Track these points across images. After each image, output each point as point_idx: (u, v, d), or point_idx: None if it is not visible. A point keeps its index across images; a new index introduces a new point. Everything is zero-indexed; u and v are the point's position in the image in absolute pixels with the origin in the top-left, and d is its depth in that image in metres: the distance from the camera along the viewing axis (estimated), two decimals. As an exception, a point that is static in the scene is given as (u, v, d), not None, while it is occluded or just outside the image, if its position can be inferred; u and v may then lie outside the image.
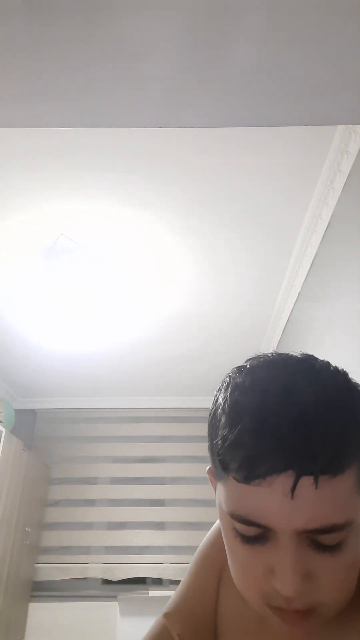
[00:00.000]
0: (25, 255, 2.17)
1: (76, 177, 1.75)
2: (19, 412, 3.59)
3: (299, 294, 2.31)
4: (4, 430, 2.73)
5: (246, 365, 0.44)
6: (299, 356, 0.44)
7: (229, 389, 0.42)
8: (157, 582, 3.30)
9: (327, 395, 0.39)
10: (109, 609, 3.08)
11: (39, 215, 1.93)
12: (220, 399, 0.43)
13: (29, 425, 3.75)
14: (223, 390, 0.43)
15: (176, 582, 3.19)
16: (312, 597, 0.39)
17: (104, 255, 2.17)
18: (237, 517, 0.40)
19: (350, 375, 0.44)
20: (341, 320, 1.77)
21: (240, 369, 0.44)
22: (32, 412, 3.82)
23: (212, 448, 0.43)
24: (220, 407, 0.42)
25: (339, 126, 1.54)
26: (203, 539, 0.63)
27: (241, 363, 0.46)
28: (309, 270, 2.13)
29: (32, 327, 2.77)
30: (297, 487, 0.36)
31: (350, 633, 0.44)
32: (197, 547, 0.64)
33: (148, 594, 3.14)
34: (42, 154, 1.64)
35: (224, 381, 0.45)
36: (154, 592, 3.14)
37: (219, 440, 0.41)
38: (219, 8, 0.89)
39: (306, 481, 0.36)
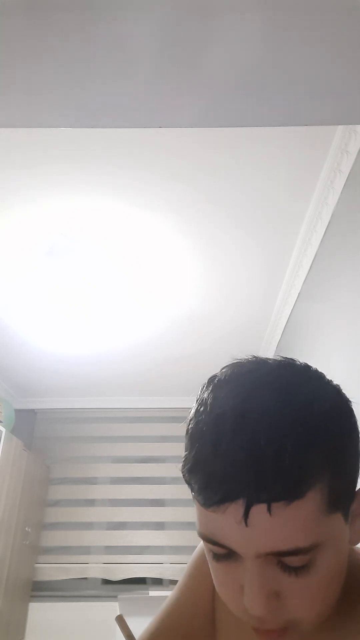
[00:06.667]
0: (25, 255, 2.17)
1: (77, 175, 1.74)
2: (19, 412, 3.59)
3: (298, 294, 2.31)
4: (4, 430, 2.73)
5: (214, 378, 0.43)
6: (273, 365, 0.42)
7: (195, 404, 0.42)
8: (157, 582, 3.29)
9: (286, 416, 0.36)
10: (109, 609, 3.07)
11: (39, 214, 1.92)
12: (189, 415, 0.42)
13: (29, 425, 3.75)
14: (193, 404, 0.43)
15: (176, 582, 3.19)
16: (283, 616, 0.39)
17: (104, 254, 2.17)
18: (203, 537, 0.40)
19: (325, 381, 0.42)
20: (341, 320, 1.77)
21: (209, 381, 0.43)
22: (32, 412, 3.82)
23: None
24: (187, 426, 0.42)
25: (339, 126, 1.54)
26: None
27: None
28: (309, 270, 2.13)
29: (32, 327, 2.77)
30: (250, 515, 0.36)
31: (346, 635, 0.44)
32: (197, 547, 0.64)
33: (148, 594, 3.14)
34: (42, 150, 1.64)
35: (197, 392, 0.44)
36: (154, 592, 3.14)
37: (182, 462, 0.42)
38: (219, 7, 0.89)
39: (259, 509, 0.36)
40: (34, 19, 0.89)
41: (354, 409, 0.43)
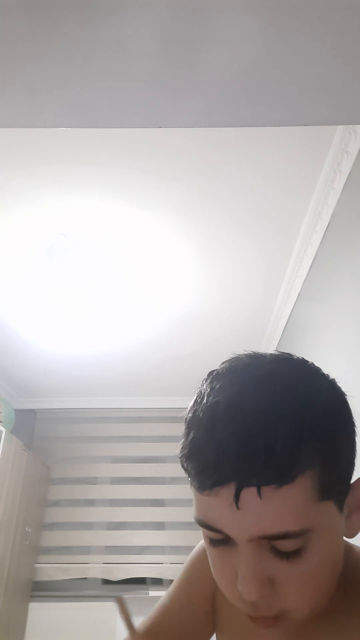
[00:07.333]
0: (25, 255, 2.17)
1: (77, 175, 1.74)
2: (19, 412, 3.59)
3: (299, 294, 2.31)
4: (4, 430, 2.73)
5: (213, 372, 0.45)
6: (269, 359, 0.44)
7: (195, 396, 0.44)
8: (157, 582, 3.29)
9: (278, 405, 0.38)
10: (109, 609, 3.07)
11: (39, 214, 1.92)
12: (188, 406, 0.45)
13: (29, 425, 3.75)
14: (193, 396, 0.45)
15: (176, 582, 3.18)
16: (277, 604, 0.39)
17: (104, 254, 2.17)
18: (199, 522, 0.42)
19: (320, 374, 0.43)
20: (341, 320, 1.77)
21: (209, 374, 0.45)
22: (32, 412, 3.82)
23: None
24: (185, 415, 0.44)
25: (339, 126, 1.54)
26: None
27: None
28: (309, 270, 2.13)
29: (32, 327, 2.77)
30: (241, 498, 0.37)
31: (341, 630, 0.44)
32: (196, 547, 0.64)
33: (148, 594, 3.14)
34: (42, 150, 1.64)
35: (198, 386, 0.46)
36: (154, 592, 3.14)
37: (180, 449, 0.43)
38: (219, 7, 0.89)
39: (250, 492, 0.37)
40: (34, 19, 0.89)
41: (349, 402, 0.43)
